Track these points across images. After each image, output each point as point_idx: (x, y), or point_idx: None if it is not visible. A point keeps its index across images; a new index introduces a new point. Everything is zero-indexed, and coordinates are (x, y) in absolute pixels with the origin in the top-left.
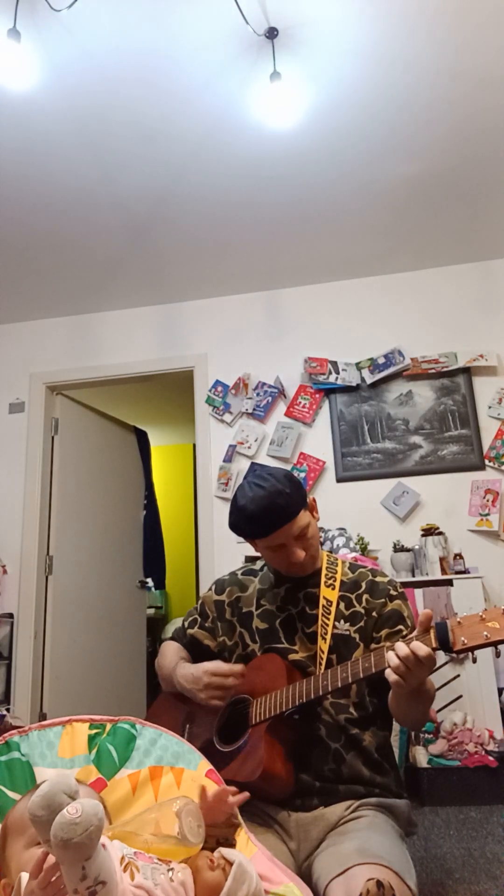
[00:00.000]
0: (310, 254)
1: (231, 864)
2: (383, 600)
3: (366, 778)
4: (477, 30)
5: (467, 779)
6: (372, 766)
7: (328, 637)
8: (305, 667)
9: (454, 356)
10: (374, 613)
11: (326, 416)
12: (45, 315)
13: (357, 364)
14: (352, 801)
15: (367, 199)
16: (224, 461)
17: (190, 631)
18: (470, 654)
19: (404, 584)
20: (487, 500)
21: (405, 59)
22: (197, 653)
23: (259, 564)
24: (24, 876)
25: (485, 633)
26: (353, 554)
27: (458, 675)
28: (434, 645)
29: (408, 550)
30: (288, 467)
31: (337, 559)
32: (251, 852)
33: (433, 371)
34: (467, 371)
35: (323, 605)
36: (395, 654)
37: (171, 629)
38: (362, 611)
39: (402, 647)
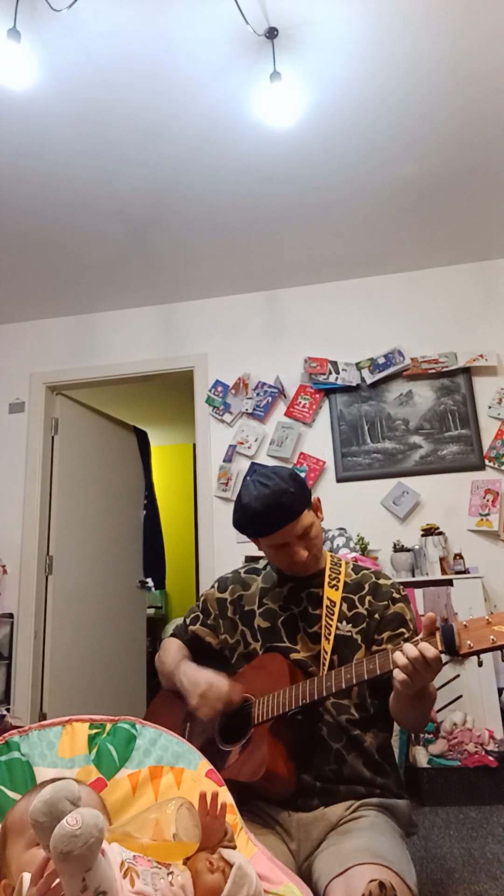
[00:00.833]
0: (310, 254)
1: (231, 865)
2: (386, 602)
3: (366, 778)
4: (476, 30)
5: (467, 779)
6: (373, 767)
7: (331, 637)
8: (307, 666)
9: (454, 356)
10: (376, 615)
11: (326, 416)
12: (46, 315)
13: (357, 364)
14: (352, 802)
15: (368, 198)
16: (224, 461)
17: (192, 628)
18: (477, 657)
19: (404, 584)
20: (487, 500)
21: (405, 59)
22: (198, 650)
23: (262, 563)
24: (26, 876)
25: (491, 636)
26: (353, 554)
27: (458, 675)
28: (440, 648)
29: (408, 550)
30: (288, 467)
31: (341, 560)
32: (251, 852)
33: (433, 371)
34: (467, 371)
35: (326, 606)
36: (403, 654)
37: (171, 629)
38: (365, 612)
39: (410, 649)
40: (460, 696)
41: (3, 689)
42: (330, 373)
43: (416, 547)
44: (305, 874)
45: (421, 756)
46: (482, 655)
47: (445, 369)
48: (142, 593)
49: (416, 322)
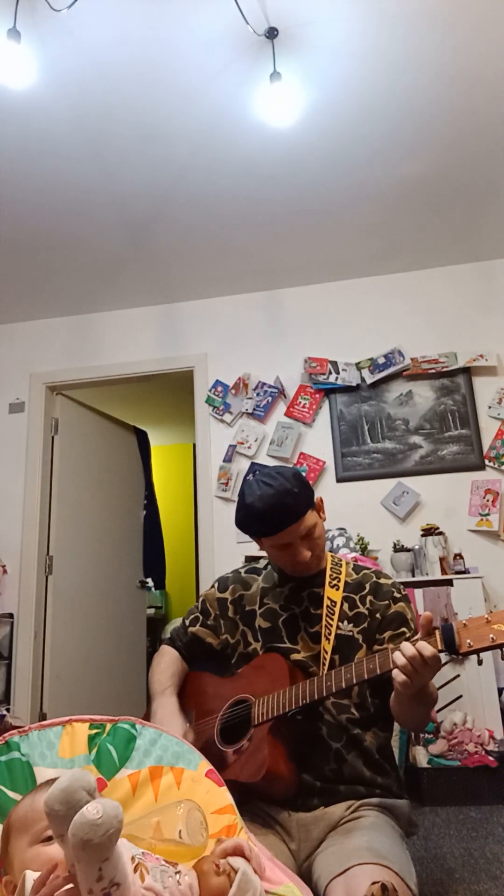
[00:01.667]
0: (310, 254)
1: (236, 871)
2: (387, 602)
3: (367, 778)
4: (476, 30)
5: (467, 779)
6: (373, 767)
7: (332, 637)
8: (307, 667)
9: (454, 356)
10: (377, 615)
11: (326, 416)
12: (45, 315)
13: (357, 364)
14: (352, 802)
15: (368, 198)
16: (224, 461)
17: (191, 629)
18: (476, 655)
19: (404, 584)
20: (487, 500)
21: (405, 59)
22: (198, 651)
23: (263, 563)
24: (29, 874)
25: (490, 635)
26: (353, 554)
27: (458, 675)
28: (440, 647)
29: (408, 550)
30: (291, 467)
31: (341, 560)
32: None
33: (433, 371)
34: (467, 371)
35: (327, 606)
36: (401, 654)
37: (170, 629)
38: (366, 612)
39: (408, 648)
40: (460, 696)
41: (3, 689)
42: (330, 373)
43: (416, 547)
44: (305, 874)
45: (421, 756)
46: (482, 654)
47: (445, 369)
48: (142, 593)
49: (416, 322)
